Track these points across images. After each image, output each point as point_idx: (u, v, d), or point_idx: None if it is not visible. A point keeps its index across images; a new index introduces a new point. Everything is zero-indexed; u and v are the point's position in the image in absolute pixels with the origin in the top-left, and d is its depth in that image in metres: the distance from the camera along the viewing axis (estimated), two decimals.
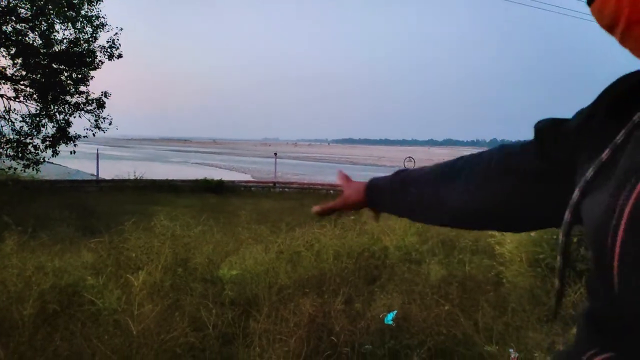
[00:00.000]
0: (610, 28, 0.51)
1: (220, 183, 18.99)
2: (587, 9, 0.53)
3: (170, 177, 20.03)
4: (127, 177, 18.80)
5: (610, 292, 0.47)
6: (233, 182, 20.65)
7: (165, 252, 4.68)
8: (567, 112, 0.66)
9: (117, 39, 17.11)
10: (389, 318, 2.82)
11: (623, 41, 0.50)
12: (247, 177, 27.92)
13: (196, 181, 19.18)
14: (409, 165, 15.32)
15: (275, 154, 28.02)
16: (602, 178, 0.52)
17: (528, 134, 0.72)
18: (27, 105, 16.66)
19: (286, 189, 20.24)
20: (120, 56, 17.34)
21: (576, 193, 0.55)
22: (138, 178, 18.73)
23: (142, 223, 5.91)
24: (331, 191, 19.49)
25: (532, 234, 4.12)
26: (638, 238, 0.45)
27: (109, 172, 20.99)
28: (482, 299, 3.16)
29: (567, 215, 0.55)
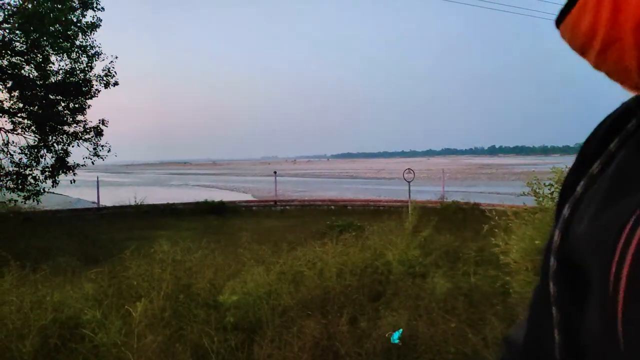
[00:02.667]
0: (583, 50, 0.45)
1: (222, 204, 18.96)
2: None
3: (171, 201, 20.01)
4: (128, 203, 18.78)
5: (612, 337, 0.37)
6: (234, 202, 20.60)
7: (167, 278, 4.63)
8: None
9: (113, 67, 17.22)
10: (395, 337, 2.76)
11: (598, 64, 0.44)
12: (247, 197, 27.90)
13: (197, 203, 19.16)
14: (408, 177, 15.25)
15: (275, 172, 28.01)
16: (594, 193, 0.46)
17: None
18: (25, 137, 16.71)
19: (287, 207, 20.19)
20: (116, 84, 17.43)
21: (566, 210, 0.47)
22: (139, 203, 18.70)
23: (144, 249, 5.87)
24: (332, 207, 19.43)
25: (537, 241, 4.07)
26: None
27: (110, 199, 20.97)
28: (489, 312, 3.09)
29: (556, 235, 0.47)
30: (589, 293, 0.42)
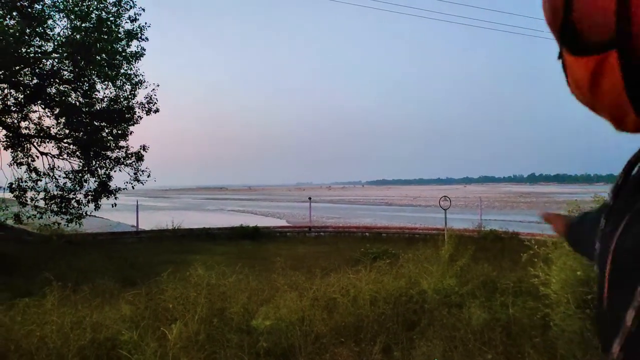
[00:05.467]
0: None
1: (256, 229, 19.08)
2: None
3: (207, 225, 20.28)
4: (165, 227, 19.13)
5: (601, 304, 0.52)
6: (268, 227, 20.71)
7: (201, 302, 4.68)
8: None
9: (155, 95, 17.84)
10: None
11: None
12: (282, 222, 28.04)
13: (232, 228, 19.34)
14: (445, 204, 15.03)
15: (310, 198, 28.12)
16: (609, 223, 0.56)
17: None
18: (70, 162, 17.40)
19: (321, 233, 20.14)
20: (157, 111, 18.02)
21: (597, 245, 0.58)
22: (176, 227, 19.02)
23: (180, 272, 5.96)
24: (366, 234, 19.28)
25: (578, 272, 3.92)
26: (620, 272, 0.48)
27: (148, 222, 21.40)
28: (528, 344, 2.98)
29: (595, 268, 0.58)
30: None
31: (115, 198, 17.82)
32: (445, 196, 15.30)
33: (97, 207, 17.61)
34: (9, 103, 16.05)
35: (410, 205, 52.86)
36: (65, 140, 17.16)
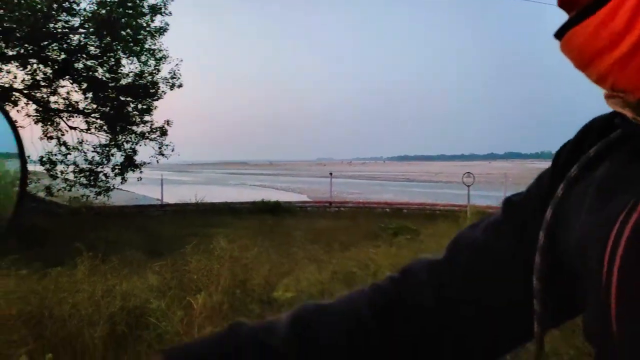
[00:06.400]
0: (593, 58, 0.43)
1: (277, 204, 19.27)
2: None
3: (229, 200, 20.56)
4: (189, 201, 19.46)
5: (608, 336, 0.39)
6: (289, 202, 20.89)
7: (224, 273, 4.85)
8: None
9: (178, 70, 18.00)
10: None
11: (611, 72, 0.42)
12: (303, 198, 28.19)
13: (254, 203, 19.57)
14: (468, 180, 14.91)
15: (331, 173, 28.18)
16: (579, 197, 0.48)
17: None
18: (97, 136, 17.79)
19: (341, 208, 20.24)
20: (180, 86, 18.19)
21: (549, 212, 0.50)
22: (199, 202, 19.33)
23: (203, 245, 6.15)
24: (387, 209, 19.34)
25: None
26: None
27: (172, 196, 21.76)
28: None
29: (541, 236, 0.49)
30: (578, 290, 0.46)
31: (141, 172, 18.23)
32: (468, 172, 15.20)
33: (123, 181, 18.04)
34: (38, 78, 16.40)
35: (431, 182, 52.54)
36: (92, 115, 17.51)
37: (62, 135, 17.59)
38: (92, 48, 16.23)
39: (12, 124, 0.57)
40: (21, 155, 0.58)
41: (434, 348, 0.55)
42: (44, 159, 16.89)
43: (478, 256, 0.56)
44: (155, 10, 16.22)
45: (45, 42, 15.06)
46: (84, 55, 16.25)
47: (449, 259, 0.58)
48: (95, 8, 15.06)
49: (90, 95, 17.06)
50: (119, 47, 15.97)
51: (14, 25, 12.90)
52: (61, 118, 17.53)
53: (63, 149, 17.52)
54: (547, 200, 0.51)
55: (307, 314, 0.59)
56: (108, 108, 17.18)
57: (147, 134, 18.08)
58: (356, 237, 8.38)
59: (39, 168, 16.82)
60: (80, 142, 17.61)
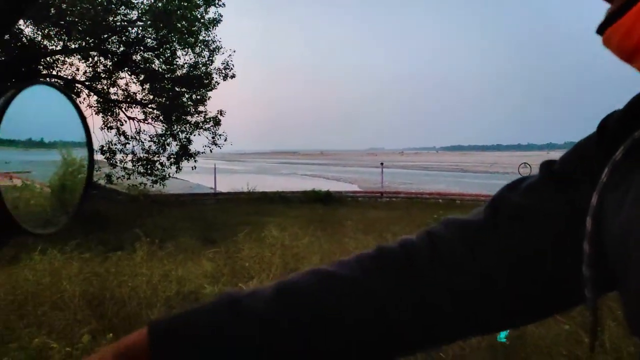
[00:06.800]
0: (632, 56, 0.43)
1: (328, 194, 19.29)
2: None
3: (280, 189, 20.77)
4: (241, 190, 19.81)
5: None
6: (340, 192, 20.86)
7: (276, 262, 4.87)
8: None
9: (231, 60, 18.26)
10: (502, 335, 2.66)
11: None
12: (354, 188, 28.12)
13: (305, 192, 19.66)
14: (524, 171, 14.39)
15: (382, 163, 27.93)
16: (622, 179, 0.46)
17: None
18: (154, 126, 18.38)
19: (393, 199, 20.03)
20: (233, 76, 18.46)
21: (595, 198, 0.47)
22: (251, 190, 19.65)
23: (255, 233, 6.22)
24: (440, 200, 18.96)
25: None
26: None
27: (225, 185, 22.21)
28: (608, 317, 2.86)
29: (588, 223, 0.47)
30: (627, 278, 0.44)
31: (195, 161, 18.71)
32: (524, 163, 14.69)
33: (178, 170, 18.58)
34: (99, 70, 17.10)
35: (486, 172, 51.12)
36: (149, 105, 18.11)
37: (121, 125, 18.32)
38: (149, 40, 16.73)
39: (82, 115, 0.59)
40: (89, 144, 0.60)
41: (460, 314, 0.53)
42: (104, 148, 17.64)
43: (522, 220, 0.54)
44: (209, 1, 16.48)
45: (105, 35, 15.64)
46: (142, 48, 16.77)
47: (488, 221, 0.56)
48: (152, 1, 15.49)
49: (147, 86, 17.64)
50: (174, 38, 16.37)
51: (76, 19, 13.45)
52: (120, 109, 18.23)
53: (122, 138, 18.26)
54: (591, 170, 0.50)
55: (295, 279, 0.57)
56: (164, 99, 17.71)
57: (201, 123, 18.51)
58: (409, 228, 8.23)
59: (100, 157, 17.57)
60: (138, 132, 18.30)
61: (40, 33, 14.88)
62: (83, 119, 0.59)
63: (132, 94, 17.98)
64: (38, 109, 0.54)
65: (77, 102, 0.58)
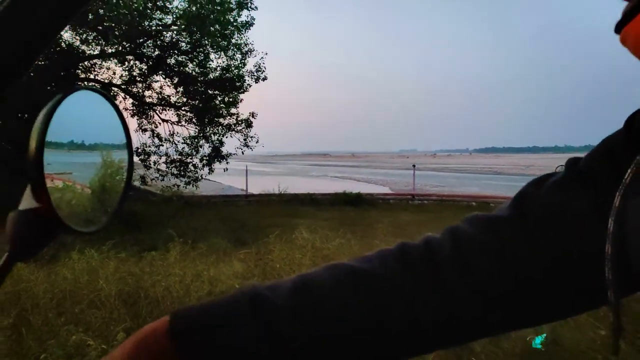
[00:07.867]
0: None
1: (359, 196, 19.20)
2: None
3: (311, 191, 20.78)
4: (272, 192, 19.92)
5: None
6: (371, 194, 20.75)
7: (306, 263, 4.89)
8: None
9: (263, 63, 18.43)
10: (537, 342, 2.60)
11: None
12: (384, 190, 27.95)
13: (336, 194, 19.63)
14: None
15: (414, 165, 27.69)
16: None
17: None
18: (187, 129, 18.70)
19: (425, 201, 19.80)
20: (265, 79, 18.62)
21: (617, 198, 0.47)
22: (282, 192, 19.72)
23: (286, 235, 6.25)
24: (473, 203, 18.65)
25: None
26: None
27: (256, 187, 22.37)
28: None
29: (611, 224, 0.47)
30: None
31: (227, 163, 18.94)
32: (561, 165, 14.22)
33: (210, 171, 18.85)
34: (134, 74, 17.52)
35: (521, 175, 50.02)
36: (183, 108, 18.44)
37: (156, 127, 18.71)
38: (183, 44, 17.04)
39: (123, 118, 0.61)
40: (129, 147, 0.61)
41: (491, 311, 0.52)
42: (139, 150, 18.04)
43: (550, 219, 0.53)
44: (242, 5, 16.69)
45: (141, 40, 16.01)
46: (176, 51, 17.10)
47: (515, 219, 0.55)
48: (187, 5, 15.78)
49: (181, 89, 17.97)
50: (207, 42, 16.63)
51: (113, 25, 13.81)
52: (154, 111, 18.63)
53: (156, 140, 18.65)
54: (616, 168, 0.50)
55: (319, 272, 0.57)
56: (197, 101, 18.01)
57: (233, 126, 18.74)
58: (440, 231, 8.12)
59: (135, 159, 17.94)
60: (172, 134, 18.64)
61: (78, 38, 15.37)
62: (124, 122, 0.61)
63: (166, 96, 18.35)
64: (81, 112, 0.55)
65: (118, 106, 0.60)
